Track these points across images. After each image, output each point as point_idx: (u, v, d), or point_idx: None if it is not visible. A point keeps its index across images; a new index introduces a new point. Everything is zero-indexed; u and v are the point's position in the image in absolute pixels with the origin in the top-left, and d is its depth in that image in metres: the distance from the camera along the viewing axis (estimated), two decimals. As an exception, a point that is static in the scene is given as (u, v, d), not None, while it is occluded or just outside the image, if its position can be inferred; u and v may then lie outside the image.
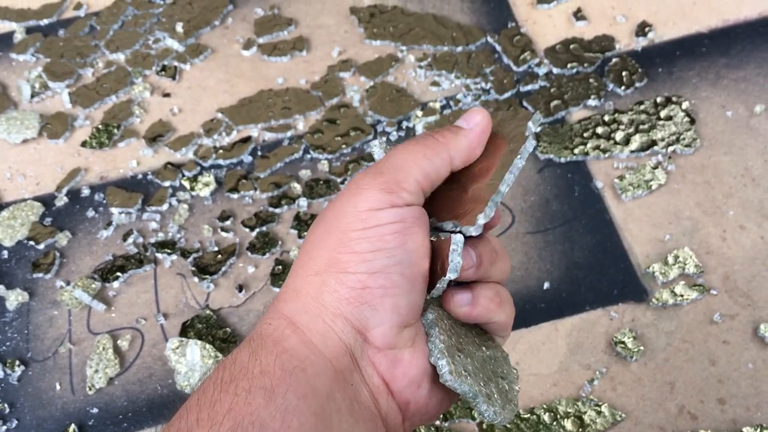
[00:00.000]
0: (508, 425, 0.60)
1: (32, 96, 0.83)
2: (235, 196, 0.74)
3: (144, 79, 0.84)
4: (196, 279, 0.69)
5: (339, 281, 0.34)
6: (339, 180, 0.74)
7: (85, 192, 0.76)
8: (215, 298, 0.69)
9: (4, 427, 0.63)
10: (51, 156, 0.79)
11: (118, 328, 0.68)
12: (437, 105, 0.78)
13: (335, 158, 0.76)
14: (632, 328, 0.64)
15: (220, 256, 0.70)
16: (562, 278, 0.67)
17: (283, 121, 0.79)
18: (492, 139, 0.40)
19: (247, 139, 0.78)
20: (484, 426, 0.61)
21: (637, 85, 0.78)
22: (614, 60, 0.80)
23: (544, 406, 0.61)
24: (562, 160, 0.74)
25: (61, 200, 0.75)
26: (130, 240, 0.72)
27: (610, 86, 0.78)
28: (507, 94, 0.78)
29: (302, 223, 0.72)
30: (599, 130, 0.75)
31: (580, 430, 0.59)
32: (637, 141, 0.74)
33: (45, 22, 0.89)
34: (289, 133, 0.78)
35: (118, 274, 0.70)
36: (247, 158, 0.77)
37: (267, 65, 0.84)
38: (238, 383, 0.32)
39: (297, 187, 0.74)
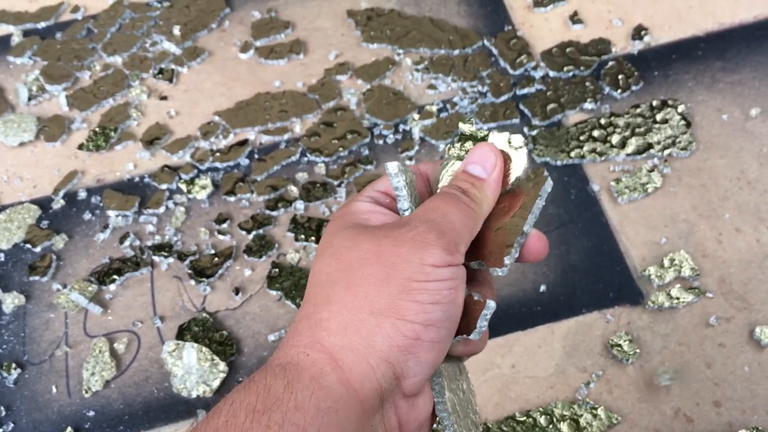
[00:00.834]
0: (504, 428, 0.60)
1: (29, 99, 0.83)
2: (232, 198, 0.74)
3: (141, 82, 0.84)
4: (192, 282, 0.69)
5: (395, 327, 0.35)
6: (336, 183, 0.74)
7: (82, 195, 0.76)
8: (212, 300, 0.69)
9: (1, 430, 0.63)
10: (48, 159, 0.79)
11: (115, 331, 0.68)
12: (434, 108, 0.78)
13: (332, 161, 0.76)
14: (628, 331, 0.64)
15: (216, 258, 0.70)
16: (558, 281, 0.67)
17: (280, 124, 0.79)
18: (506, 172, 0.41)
19: (244, 142, 0.78)
20: None
21: (634, 88, 0.78)
22: (610, 63, 0.80)
23: (540, 408, 0.61)
24: (559, 163, 0.74)
25: (58, 203, 0.75)
26: (127, 243, 0.72)
27: (607, 89, 0.78)
28: (503, 98, 0.79)
29: (299, 226, 0.72)
30: (595, 133, 0.75)
31: (576, 432, 0.59)
32: (633, 144, 0.74)
33: (42, 25, 0.89)
34: (286, 136, 0.78)
35: (115, 276, 0.70)
36: (244, 161, 0.77)
37: (264, 68, 0.84)
38: (271, 415, 0.32)
39: (294, 190, 0.74)
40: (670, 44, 0.81)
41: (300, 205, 0.73)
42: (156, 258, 0.71)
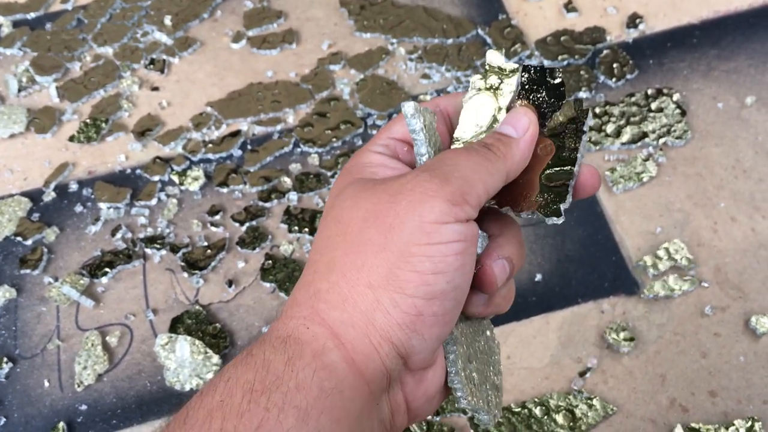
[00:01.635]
0: (501, 420, 0.60)
1: (19, 90, 0.82)
2: (225, 190, 0.74)
3: (132, 72, 0.83)
4: (185, 274, 0.69)
5: (394, 303, 0.32)
6: (329, 174, 0.74)
7: (73, 187, 0.75)
8: (205, 293, 0.68)
9: (-7, 425, 0.63)
10: (38, 151, 0.78)
11: (107, 324, 0.67)
12: (428, 98, 0.78)
13: (325, 152, 0.75)
14: (623, 321, 0.64)
15: (209, 250, 0.70)
16: (553, 271, 0.67)
17: (273, 114, 0.78)
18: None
19: (236, 133, 0.77)
20: (475, 420, 0.60)
21: (628, 77, 0.78)
22: (605, 52, 0.80)
23: (536, 399, 0.61)
24: (553, 152, 0.73)
25: (49, 195, 0.75)
26: (119, 235, 0.71)
27: (601, 78, 0.78)
28: (498, 87, 0.78)
29: (292, 218, 0.71)
30: (590, 122, 0.75)
31: (572, 423, 0.59)
32: (628, 133, 0.73)
33: (32, 15, 0.88)
34: (278, 127, 0.77)
35: (107, 269, 0.69)
36: (237, 152, 0.76)
37: (256, 58, 0.83)
38: (270, 395, 0.29)
39: (287, 181, 0.74)
40: (665, 32, 0.81)
41: (293, 196, 0.72)
42: (148, 250, 0.70)
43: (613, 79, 0.77)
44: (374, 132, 0.76)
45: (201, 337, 0.65)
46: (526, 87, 0.39)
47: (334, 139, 0.76)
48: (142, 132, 0.78)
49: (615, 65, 0.78)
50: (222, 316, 0.67)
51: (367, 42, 0.83)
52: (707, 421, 0.59)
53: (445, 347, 0.36)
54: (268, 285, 0.68)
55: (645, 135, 0.73)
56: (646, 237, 0.68)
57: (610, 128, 0.74)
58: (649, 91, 0.76)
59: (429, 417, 0.60)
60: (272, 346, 0.31)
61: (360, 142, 0.76)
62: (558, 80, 0.38)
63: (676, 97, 0.76)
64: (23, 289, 0.69)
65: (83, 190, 0.75)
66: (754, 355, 0.61)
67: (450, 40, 0.82)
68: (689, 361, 0.62)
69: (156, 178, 0.75)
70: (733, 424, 0.58)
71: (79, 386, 0.64)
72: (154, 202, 0.73)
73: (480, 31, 0.83)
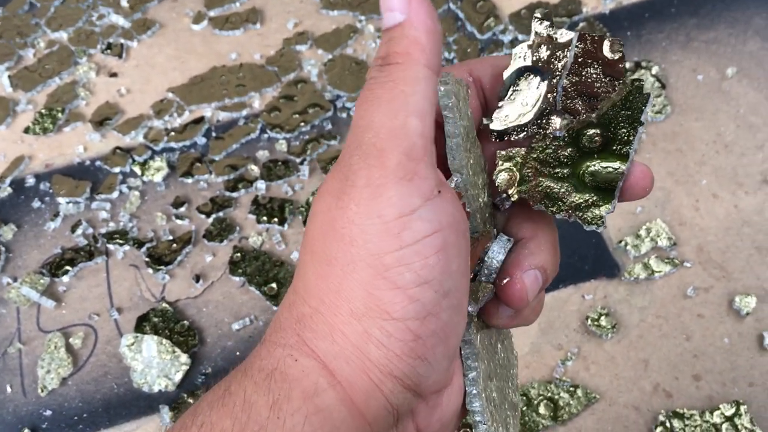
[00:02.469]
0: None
1: (-30, 80, 0.78)
2: (189, 180, 0.71)
3: (89, 58, 0.79)
4: (150, 270, 0.66)
5: (385, 333, 0.27)
6: (298, 160, 0.71)
7: (30, 181, 0.72)
8: (171, 289, 0.65)
9: (-47, 435, 0.60)
10: (-8, 144, 0.74)
11: (70, 325, 0.64)
12: (399, 77, 0.75)
13: (294, 137, 0.72)
14: (605, 305, 0.62)
15: (175, 244, 0.67)
16: (532, 255, 0.65)
17: (238, 99, 0.75)
18: None
19: (200, 120, 0.74)
20: None
21: (606, 50, 0.75)
22: (581, 24, 0.77)
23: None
24: (530, 131, 0.71)
25: (5, 191, 0.71)
26: (79, 231, 0.68)
27: (578, 52, 0.75)
28: (471, 64, 0.75)
29: (261, 207, 0.68)
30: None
31: (554, 413, 0.57)
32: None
33: (-19, -1, 0.84)
34: (244, 112, 0.74)
35: (68, 267, 0.66)
36: (201, 140, 0.73)
37: (219, 40, 0.80)
38: None
39: (254, 169, 0.71)
40: (643, 2, 0.78)
41: (261, 185, 0.70)
42: (111, 246, 0.67)
43: (590, 53, 0.75)
44: (344, 115, 0.73)
45: (168, 336, 0.62)
46: (580, 60, 0.33)
47: (302, 124, 0.73)
48: (100, 121, 0.74)
49: (591, 38, 0.76)
50: (190, 312, 0.64)
51: (334, 20, 0.80)
52: (691, 406, 0.57)
53: (464, 362, 0.31)
54: (237, 279, 0.65)
55: (623, 110, 0.71)
56: (627, 217, 0.66)
57: (587, 104, 0.72)
58: (627, 65, 0.74)
59: None
60: (254, 382, 0.27)
61: (329, 126, 0.73)
62: (618, 55, 0.32)
63: (654, 70, 0.73)
64: (-20, 291, 0.66)
65: (41, 184, 0.71)
66: (738, 336, 0.60)
67: (420, 16, 0.79)
68: (672, 345, 0.60)
69: (117, 169, 0.72)
70: (718, 408, 0.57)
71: (42, 391, 0.61)
72: (115, 195, 0.70)
73: (452, 6, 0.79)
